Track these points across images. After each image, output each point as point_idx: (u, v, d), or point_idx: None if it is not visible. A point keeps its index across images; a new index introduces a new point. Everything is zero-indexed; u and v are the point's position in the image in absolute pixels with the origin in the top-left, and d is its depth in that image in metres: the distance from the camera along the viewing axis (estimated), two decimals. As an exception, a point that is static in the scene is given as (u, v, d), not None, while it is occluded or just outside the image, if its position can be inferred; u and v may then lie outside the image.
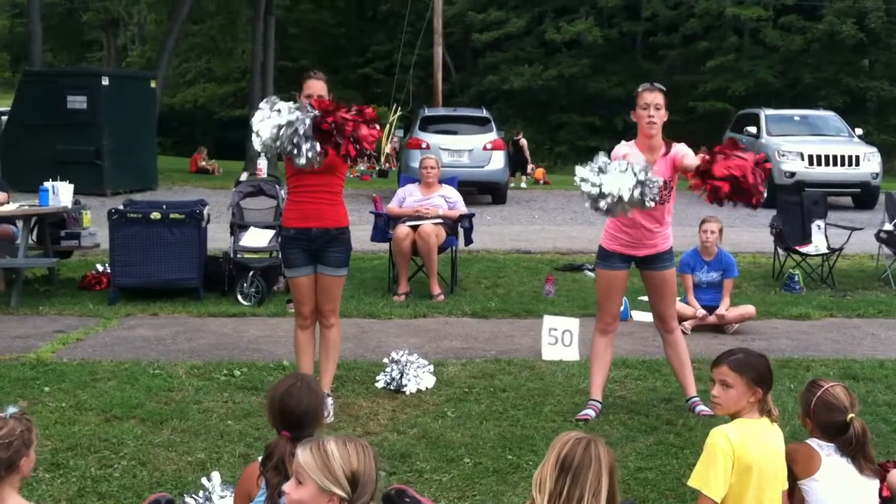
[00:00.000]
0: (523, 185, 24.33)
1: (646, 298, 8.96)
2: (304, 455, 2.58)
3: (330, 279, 5.51)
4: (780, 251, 10.45)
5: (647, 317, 8.38)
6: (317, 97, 5.29)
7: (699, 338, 7.67)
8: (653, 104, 5.38)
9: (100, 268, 9.55)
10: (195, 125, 48.02)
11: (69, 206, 9.14)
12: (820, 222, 10.44)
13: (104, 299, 8.70)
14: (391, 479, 4.53)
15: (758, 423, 3.60)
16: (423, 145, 17.40)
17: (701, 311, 7.97)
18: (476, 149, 18.03)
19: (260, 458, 3.22)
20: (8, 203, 9.04)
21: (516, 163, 25.51)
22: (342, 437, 2.66)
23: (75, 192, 9.29)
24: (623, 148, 5.39)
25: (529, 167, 27.18)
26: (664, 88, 5.49)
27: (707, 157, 4.88)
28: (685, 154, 5.36)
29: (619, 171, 4.71)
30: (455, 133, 18.58)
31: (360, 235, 10.50)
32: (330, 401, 5.49)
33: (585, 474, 2.68)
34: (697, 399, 5.62)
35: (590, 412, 5.56)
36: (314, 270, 5.49)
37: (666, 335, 5.81)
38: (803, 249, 10.23)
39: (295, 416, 3.21)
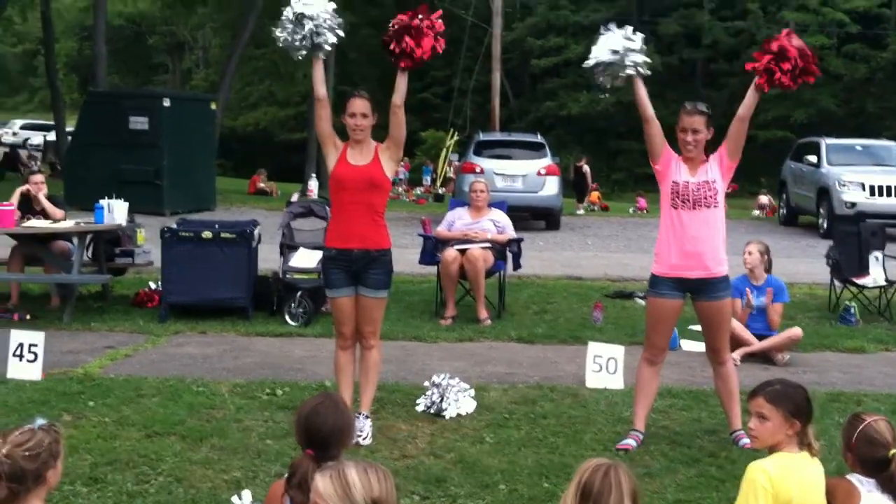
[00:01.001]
0: (580, 211, 24.15)
1: (696, 328, 8.87)
2: (323, 484, 2.51)
3: (370, 301, 5.51)
4: (837, 283, 10.23)
5: (697, 346, 8.26)
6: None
7: (748, 368, 7.51)
8: (690, 129, 5.33)
9: (152, 285, 9.68)
10: (256, 147, 48.68)
11: (124, 223, 9.29)
12: (878, 254, 10.20)
13: (155, 316, 8.82)
14: (424, 503, 4.50)
15: (797, 456, 3.52)
16: (478, 169, 17.42)
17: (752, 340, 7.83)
18: (530, 174, 17.99)
19: (285, 476, 3.21)
20: (65, 220, 9.24)
21: (579, 190, 25.38)
22: (362, 462, 2.59)
23: (135, 212, 9.46)
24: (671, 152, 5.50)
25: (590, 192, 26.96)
26: (705, 110, 5.39)
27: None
28: (723, 152, 5.41)
29: (608, 35, 5.20)
30: (509, 158, 18.56)
31: (410, 258, 10.55)
32: (368, 423, 5.48)
33: (606, 500, 2.64)
34: (742, 432, 5.49)
35: (631, 442, 5.47)
36: (354, 291, 5.50)
37: (717, 367, 5.67)
38: (860, 281, 10.01)
39: (320, 435, 3.20)
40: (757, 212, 26.73)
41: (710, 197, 5.31)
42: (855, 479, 3.51)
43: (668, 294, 5.46)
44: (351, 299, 5.51)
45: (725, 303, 5.51)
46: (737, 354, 7.72)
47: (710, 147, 5.47)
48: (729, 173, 5.43)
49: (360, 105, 5.43)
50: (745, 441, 5.35)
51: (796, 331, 7.87)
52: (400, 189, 32.32)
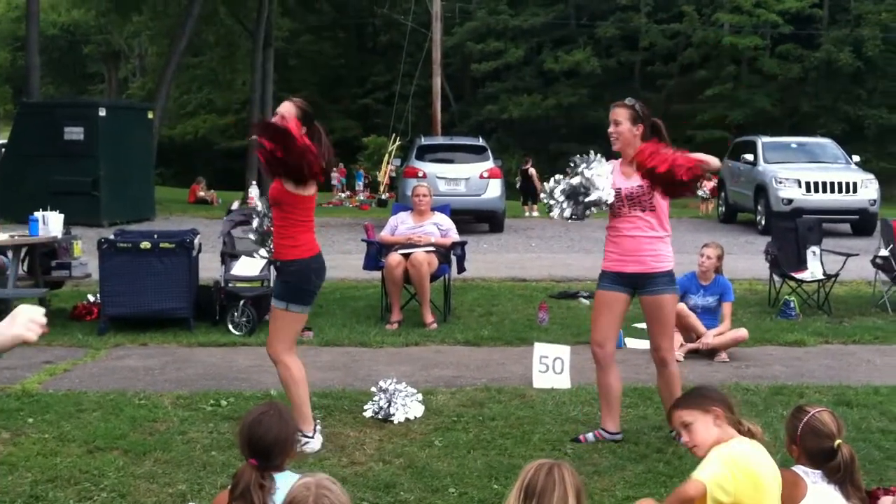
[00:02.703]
0: (535, 213, 24.14)
1: (641, 325, 8.95)
2: (300, 495, 2.60)
3: (273, 309, 5.44)
4: (776, 278, 10.39)
5: (641, 344, 8.33)
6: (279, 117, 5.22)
7: (692, 364, 7.59)
8: (612, 120, 5.39)
9: (91, 298, 9.49)
10: (195, 156, 48.22)
11: (59, 236, 9.12)
12: (815, 248, 10.39)
13: (94, 330, 8.64)
14: (374, 509, 4.46)
15: (747, 441, 3.54)
16: (420, 174, 17.40)
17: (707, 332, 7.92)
18: (473, 177, 18.03)
19: (229, 487, 3.15)
20: (-2, 233, 9.03)
21: (526, 192, 25.43)
22: (323, 476, 2.67)
23: (72, 223, 9.26)
24: (608, 165, 5.48)
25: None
26: (628, 103, 5.41)
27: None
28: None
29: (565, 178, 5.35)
30: (452, 161, 18.59)
31: (354, 264, 10.48)
32: (318, 429, 5.39)
33: (550, 498, 2.64)
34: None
35: (589, 435, 5.54)
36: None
37: (661, 368, 5.58)
38: (799, 276, 10.18)
39: (263, 444, 3.14)
40: (701, 192, 26.91)
41: (645, 201, 5.33)
42: (800, 470, 3.54)
43: (608, 286, 5.51)
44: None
45: (668, 298, 5.45)
46: (680, 352, 7.81)
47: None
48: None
49: (284, 107, 5.31)
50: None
51: (742, 332, 7.97)
52: (342, 195, 32.24)
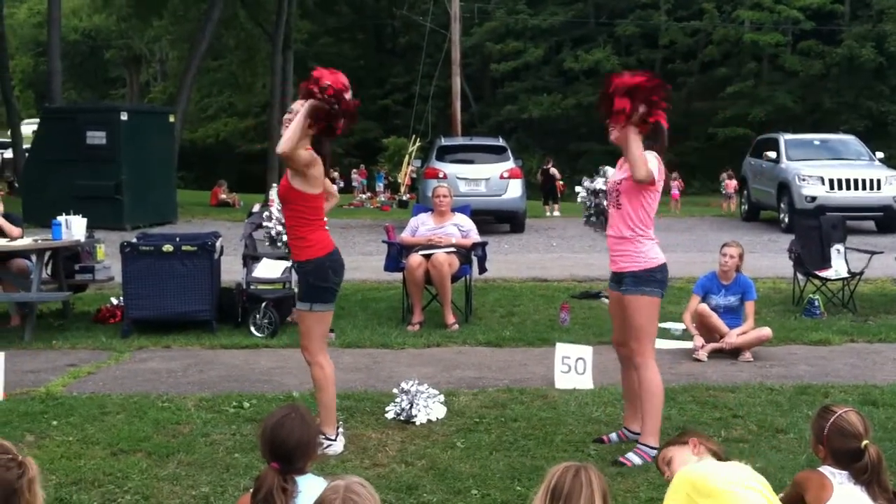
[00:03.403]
0: (556, 213, 24.08)
1: (663, 325, 8.91)
2: (329, 498, 2.63)
3: (298, 312, 5.45)
4: (800, 276, 10.31)
5: (665, 344, 8.30)
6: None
7: (716, 364, 7.55)
8: None
9: (114, 301, 9.55)
10: (217, 159, 48.39)
11: (82, 239, 9.17)
12: (839, 246, 10.30)
13: (118, 332, 8.69)
14: (397, 511, 4.46)
15: (712, 461, 3.54)
16: (440, 175, 17.41)
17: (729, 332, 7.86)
18: (493, 177, 18.01)
19: (251, 490, 3.15)
20: (22, 238, 9.09)
21: (547, 192, 25.37)
22: (353, 478, 2.67)
23: (95, 227, 9.31)
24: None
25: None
26: None
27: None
28: None
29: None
30: (472, 162, 18.58)
31: (375, 265, 10.48)
32: (328, 442, 5.35)
33: (577, 500, 2.62)
34: (639, 444, 5.27)
35: (612, 436, 5.52)
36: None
37: (635, 368, 5.37)
38: (823, 274, 10.09)
39: (285, 448, 3.14)
40: (728, 190, 26.74)
41: (614, 197, 5.27)
42: (827, 471, 3.51)
43: (610, 285, 5.51)
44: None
45: (633, 298, 5.23)
46: (703, 352, 7.77)
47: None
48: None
49: (296, 103, 5.32)
50: (630, 456, 5.19)
51: (766, 331, 7.91)
52: (363, 196, 32.29)
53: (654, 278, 5.23)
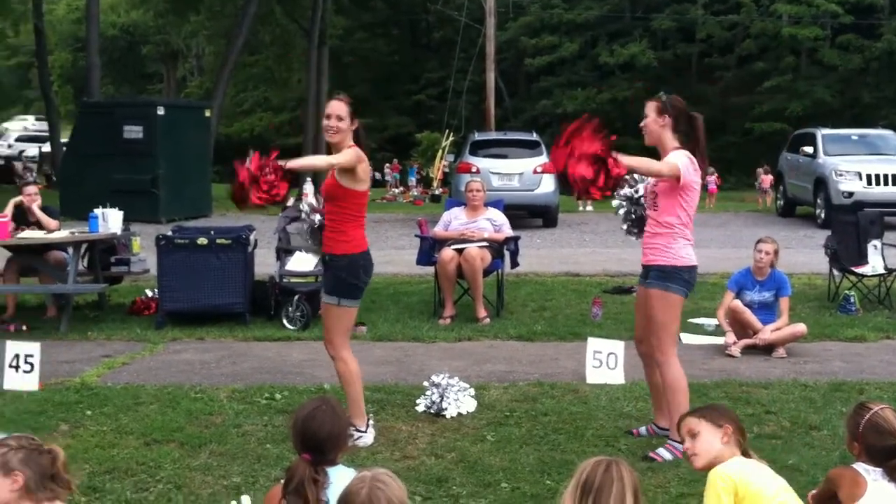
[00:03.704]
0: (590, 208, 23.98)
1: (696, 321, 8.87)
2: (357, 490, 2.64)
3: (324, 305, 5.46)
4: (836, 272, 10.19)
5: (697, 339, 8.25)
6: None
7: (749, 360, 7.49)
8: (644, 115, 5.29)
9: (149, 293, 9.64)
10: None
11: (118, 232, 9.27)
12: (876, 242, 10.16)
13: (152, 324, 8.78)
14: (426, 503, 4.46)
15: (744, 458, 3.47)
16: (473, 169, 17.40)
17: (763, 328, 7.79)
18: (526, 172, 17.98)
19: (282, 481, 3.17)
20: (59, 230, 9.20)
21: None
22: (364, 471, 2.69)
23: (131, 220, 9.41)
24: None
25: None
26: (657, 97, 5.30)
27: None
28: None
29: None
30: (505, 157, 18.55)
31: (407, 259, 10.49)
32: (358, 434, 5.38)
33: (607, 495, 2.62)
34: (668, 439, 5.26)
35: (642, 429, 5.53)
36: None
37: (657, 364, 5.35)
38: (859, 270, 9.97)
39: (317, 439, 3.15)
40: (763, 185, 26.44)
41: (651, 199, 5.25)
42: (861, 467, 3.47)
43: (640, 281, 5.49)
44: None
45: (649, 291, 5.24)
46: (736, 348, 7.71)
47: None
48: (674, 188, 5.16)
49: (334, 107, 5.33)
50: (660, 451, 5.17)
51: (801, 327, 7.83)
52: (395, 191, 32.35)
53: (681, 277, 5.17)
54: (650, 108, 5.26)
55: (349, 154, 5.18)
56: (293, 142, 42.49)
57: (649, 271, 5.26)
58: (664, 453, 5.11)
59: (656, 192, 5.20)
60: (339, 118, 5.26)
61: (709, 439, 3.47)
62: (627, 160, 4.90)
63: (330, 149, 5.38)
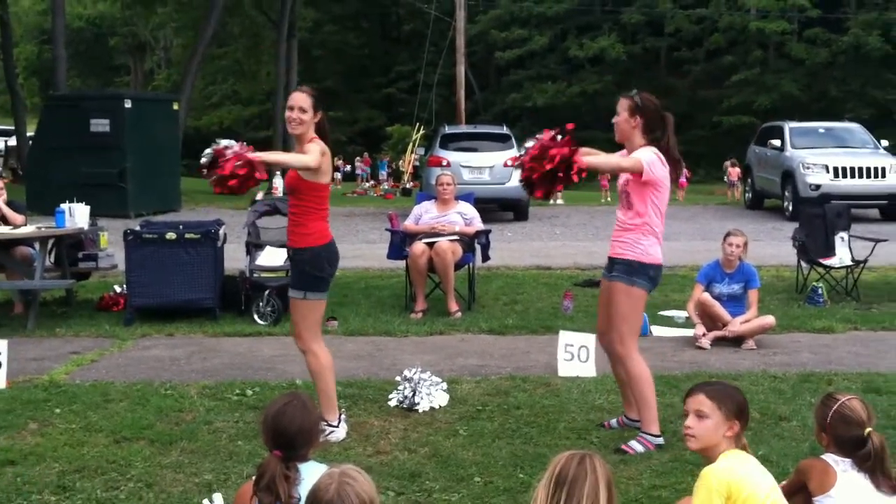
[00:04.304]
0: (560, 201, 24.04)
1: (666, 313, 8.92)
2: (326, 486, 2.61)
3: (292, 300, 5.43)
4: (804, 264, 10.29)
5: (667, 332, 8.30)
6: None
7: (719, 352, 7.54)
8: (616, 111, 5.31)
9: (117, 289, 9.55)
10: (221, 147, 48.31)
11: (85, 227, 9.17)
12: (843, 234, 10.27)
13: (121, 320, 8.69)
14: (399, 499, 4.46)
15: (741, 454, 3.41)
16: (444, 163, 17.39)
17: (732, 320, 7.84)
18: (497, 165, 17.99)
19: (253, 478, 3.15)
20: (25, 225, 9.09)
21: None
22: (333, 467, 2.65)
23: (99, 215, 9.30)
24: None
25: None
26: (630, 94, 5.28)
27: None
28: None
29: None
30: (475, 150, 18.56)
31: (378, 253, 10.47)
32: (343, 418, 5.41)
33: (581, 487, 2.62)
34: (641, 433, 5.28)
35: (613, 422, 5.54)
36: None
37: (611, 357, 5.45)
38: (827, 262, 10.07)
39: (287, 435, 3.13)
40: (731, 178, 26.69)
41: (624, 199, 5.27)
42: (830, 458, 3.50)
43: (604, 274, 5.52)
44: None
45: (613, 285, 5.25)
46: (706, 340, 7.76)
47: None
48: (643, 185, 5.18)
49: (298, 99, 5.31)
50: (633, 443, 5.19)
51: (769, 319, 7.89)
52: (366, 185, 32.28)
53: (646, 273, 5.20)
54: (623, 106, 5.26)
55: (315, 152, 5.16)
56: (263, 135, 42.29)
57: (615, 264, 5.27)
58: (636, 446, 5.14)
59: (628, 192, 5.22)
60: (303, 110, 5.25)
61: (713, 428, 3.38)
62: (589, 160, 4.95)
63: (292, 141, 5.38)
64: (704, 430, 3.40)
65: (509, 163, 17.70)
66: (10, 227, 9.00)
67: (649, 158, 5.10)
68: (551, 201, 23.82)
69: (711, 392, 3.45)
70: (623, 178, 5.30)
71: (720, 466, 3.32)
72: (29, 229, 8.93)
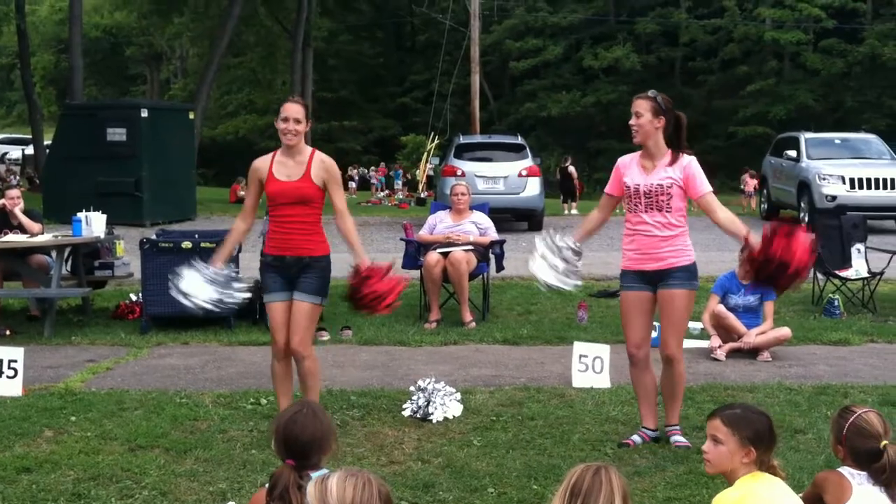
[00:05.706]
0: (575, 211, 23.99)
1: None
2: (309, 490, 2.57)
3: (301, 305, 5.42)
4: (820, 276, 10.24)
5: (684, 343, 8.24)
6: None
7: (734, 364, 7.51)
8: (634, 112, 5.29)
9: (133, 297, 9.60)
10: (236, 156, 48.45)
11: (102, 236, 9.21)
12: (860, 246, 10.22)
13: (136, 329, 8.74)
14: (413, 509, 4.46)
15: (760, 477, 3.34)
16: (458, 172, 17.40)
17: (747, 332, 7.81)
18: (511, 175, 17.98)
19: (266, 487, 3.15)
20: (42, 234, 9.14)
21: (566, 190, 25.26)
22: (348, 470, 2.60)
23: (115, 223, 9.34)
24: (624, 159, 5.52)
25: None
26: (650, 95, 5.30)
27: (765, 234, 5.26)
28: (693, 175, 5.32)
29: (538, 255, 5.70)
30: (490, 160, 18.55)
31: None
32: None
33: (596, 499, 2.61)
34: (677, 428, 5.46)
35: (636, 438, 5.48)
36: (290, 297, 5.44)
37: (665, 365, 5.45)
38: (843, 273, 10.03)
39: (299, 444, 3.13)
40: (748, 188, 26.63)
41: (665, 200, 5.27)
42: (846, 471, 3.48)
43: (631, 285, 5.44)
44: (285, 305, 5.48)
45: (681, 293, 5.31)
46: (722, 351, 7.73)
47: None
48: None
49: (292, 110, 5.36)
50: (678, 439, 5.36)
51: (785, 331, 7.86)
52: (381, 194, 32.32)
53: (696, 272, 5.45)
54: (644, 107, 5.26)
55: (341, 192, 5.59)
56: (277, 144, 42.42)
57: (671, 273, 5.30)
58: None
59: (671, 194, 5.24)
60: (297, 121, 5.33)
61: (727, 454, 3.34)
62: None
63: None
64: (718, 455, 3.37)
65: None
66: (28, 235, 9.06)
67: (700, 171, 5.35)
68: (566, 211, 23.82)
69: (728, 418, 3.39)
70: (666, 180, 5.28)
71: (729, 496, 3.29)
72: (46, 238, 8.99)
